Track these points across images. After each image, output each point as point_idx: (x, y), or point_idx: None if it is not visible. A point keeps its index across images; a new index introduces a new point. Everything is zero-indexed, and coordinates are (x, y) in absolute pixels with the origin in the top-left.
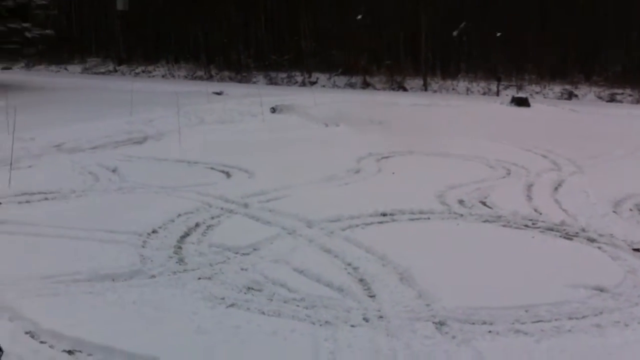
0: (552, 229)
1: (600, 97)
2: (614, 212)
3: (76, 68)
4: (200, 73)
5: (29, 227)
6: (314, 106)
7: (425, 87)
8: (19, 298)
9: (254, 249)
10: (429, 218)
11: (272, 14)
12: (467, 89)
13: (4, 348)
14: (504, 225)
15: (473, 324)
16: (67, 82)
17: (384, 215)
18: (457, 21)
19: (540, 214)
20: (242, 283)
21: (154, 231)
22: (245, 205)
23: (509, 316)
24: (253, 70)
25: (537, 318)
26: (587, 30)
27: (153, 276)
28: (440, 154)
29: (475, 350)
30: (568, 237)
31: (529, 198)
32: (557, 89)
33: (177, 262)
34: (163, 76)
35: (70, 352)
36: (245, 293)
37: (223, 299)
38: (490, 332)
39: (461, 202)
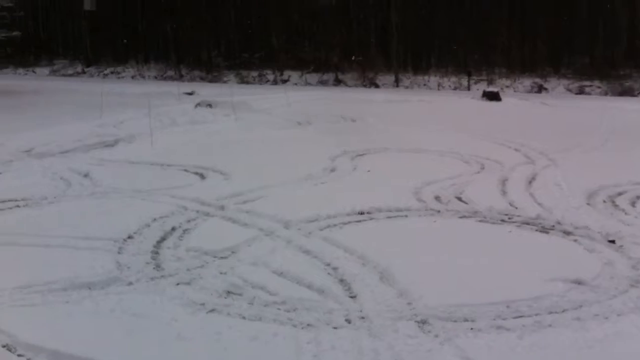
0: (528, 223)
1: (569, 90)
2: (588, 204)
3: (44, 70)
4: (170, 73)
5: (1, 237)
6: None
7: (397, 83)
8: None
9: (232, 252)
10: (406, 215)
11: (242, 11)
12: (439, 84)
13: None
14: (480, 221)
15: (455, 321)
16: (35, 85)
17: (362, 214)
18: (428, 15)
19: (516, 208)
20: (221, 287)
21: (129, 237)
22: (222, 208)
23: (490, 312)
24: (224, 69)
25: (518, 313)
26: (555, 22)
27: (130, 283)
28: (415, 150)
29: (458, 348)
30: (544, 230)
31: (504, 192)
32: (527, 82)
33: (154, 268)
34: (133, 77)
35: None
36: (225, 298)
37: (203, 304)
38: (472, 329)
39: (437, 198)
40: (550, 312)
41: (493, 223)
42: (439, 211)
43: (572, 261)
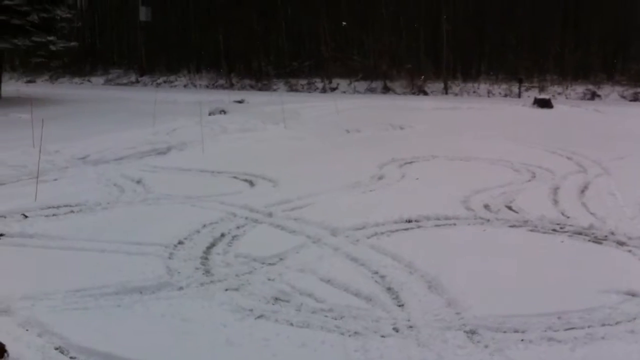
0: (580, 233)
1: (623, 97)
2: None
3: (99, 80)
4: (221, 82)
5: (56, 241)
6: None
7: (446, 91)
8: (48, 313)
9: (280, 259)
10: (454, 224)
11: (293, 20)
12: (489, 92)
13: None
14: (531, 230)
15: (505, 332)
16: (91, 94)
17: (409, 221)
18: (479, 22)
19: (568, 217)
20: (269, 294)
21: (180, 242)
22: (270, 215)
23: (541, 324)
24: (273, 78)
25: (569, 325)
26: (609, 28)
27: (181, 288)
28: (464, 158)
29: (508, 359)
30: (597, 240)
31: (556, 201)
32: (580, 89)
33: (204, 274)
34: (185, 86)
35: None
36: (273, 304)
37: (251, 310)
38: (522, 340)
39: (487, 206)
40: (603, 324)
41: (544, 233)
42: (488, 220)
43: (625, 272)
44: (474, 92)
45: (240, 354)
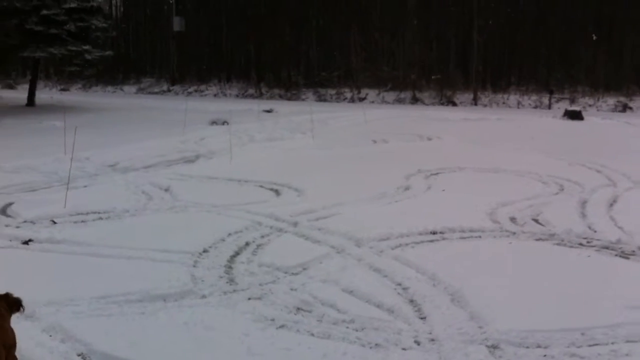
0: (607, 248)
1: None
2: None
3: (131, 88)
4: (251, 91)
5: (83, 247)
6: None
7: (475, 102)
8: (72, 319)
9: (304, 269)
10: (480, 236)
11: (323, 31)
12: (519, 103)
13: None
14: (557, 244)
15: (527, 347)
16: (123, 102)
17: (434, 233)
18: (510, 33)
19: (595, 231)
20: (291, 303)
21: (205, 250)
22: (295, 224)
23: (564, 339)
24: (302, 88)
25: (593, 341)
26: None
27: (204, 296)
28: (492, 169)
29: None
30: (624, 256)
31: (583, 215)
32: (611, 101)
33: (227, 282)
34: (215, 95)
35: None
36: (295, 314)
37: (273, 320)
38: (545, 356)
39: (513, 219)
40: (628, 341)
41: (571, 247)
42: (514, 233)
43: None
44: (504, 103)
45: None
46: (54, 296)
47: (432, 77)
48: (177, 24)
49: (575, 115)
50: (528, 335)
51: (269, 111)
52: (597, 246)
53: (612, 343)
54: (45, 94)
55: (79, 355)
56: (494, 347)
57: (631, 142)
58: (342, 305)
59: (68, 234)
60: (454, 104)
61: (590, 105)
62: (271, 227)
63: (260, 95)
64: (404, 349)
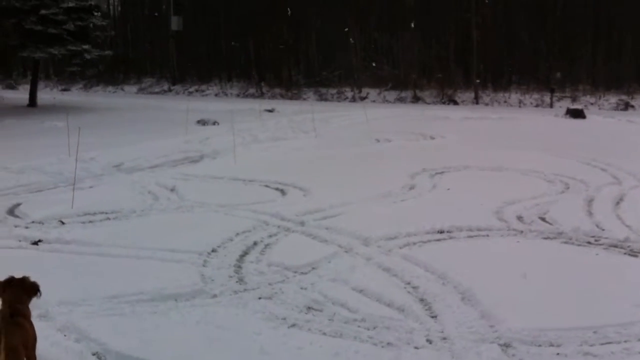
0: (616, 246)
1: None
2: None
3: (132, 88)
4: (251, 91)
5: (92, 247)
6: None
7: (476, 100)
8: (86, 318)
9: (313, 268)
10: (487, 235)
11: (323, 30)
12: (520, 101)
13: None
14: (565, 242)
15: (540, 346)
16: (124, 102)
17: (442, 232)
18: (510, 31)
19: (603, 230)
20: (302, 303)
21: (213, 250)
22: (302, 224)
23: (576, 338)
24: (303, 87)
25: (606, 340)
26: None
27: (215, 296)
28: (496, 168)
29: None
30: (633, 254)
31: (590, 213)
32: (613, 99)
33: (237, 282)
34: (216, 95)
35: None
36: (305, 313)
37: (284, 319)
38: (558, 354)
39: (520, 218)
40: None
41: (579, 245)
42: (521, 231)
43: None
44: (505, 102)
45: None
46: (67, 296)
47: (436, 76)
48: (175, 23)
49: (577, 114)
50: (540, 334)
51: (270, 111)
52: (605, 244)
53: (625, 341)
54: (47, 94)
55: (93, 354)
56: (506, 345)
57: (634, 140)
58: (353, 304)
59: (77, 234)
60: (455, 103)
61: (592, 104)
62: (278, 227)
63: (261, 95)
64: (416, 347)
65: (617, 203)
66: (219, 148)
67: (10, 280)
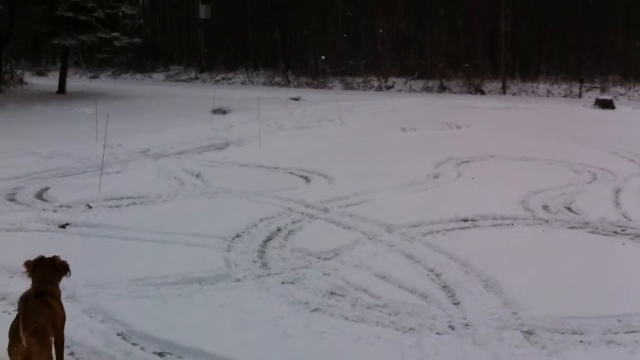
0: None
1: None
2: None
3: (160, 76)
4: (278, 79)
5: (119, 231)
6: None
7: (504, 90)
8: (112, 300)
9: (336, 254)
10: (512, 224)
11: (350, 19)
12: (548, 92)
13: (97, 350)
14: (592, 232)
15: (563, 334)
16: (152, 90)
17: (466, 221)
18: (540, 22)
19: (630, 220)
20: (325, 288)
21: (238, 236)
22: (326, 211)
23: (600, 326)
24: (330, 76)
25: (630, 329)
26: None
27: (238, 280)
28: (522, 158)
29: None
30: None
31: (617, 204)
32: None
33: (261, 267)
34: (242, 83)
35: (161, 355)
36: (328, 298)
37: (307, 303)
38: (581, 342)
39: (546, 207)
40: None
41: (605, 235)
42: (547, 221)
43: None
44: (533, 92)
45: (297, 346)
46: (93, 278)
47: (463, 66)
48: (204, 12)
49: (606, 105)
50: (564, 322)
51: (296, 99)
52: (632, 235)
53: None
54: (76, 82)
55: (119, 335)
56: (529, 333)
57: None
58: (376, 290)
59: (104, 219)
60: (483, 93)
61: (621, 95)
62: (302, 214)
63: (287, 84)
64: (438, 333)
65: None
66: (244, 136)
67: (41, 260)
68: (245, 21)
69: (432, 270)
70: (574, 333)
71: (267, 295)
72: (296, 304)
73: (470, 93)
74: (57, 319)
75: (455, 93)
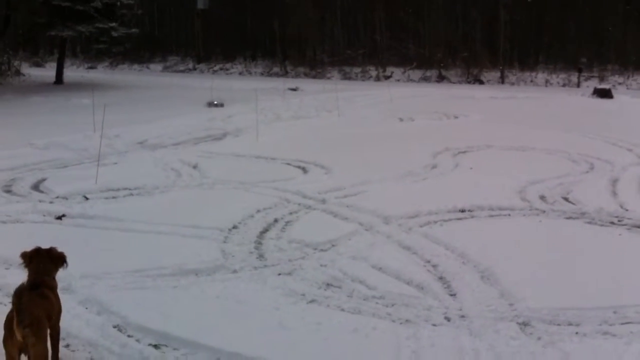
0: (639, 226)
1: None
2: None
3: (157, 66)
4: (276, 69)
5: (115, 222)
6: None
7: (502, 80)
8: (108, 292)
9: (332, 245)
10: (509, 214)
11: (348, 8)
12: (546, 81)
13: (93, 342)
14: (588, 222)
15: (559, 325)
16: (149, 80)
17: (463, 211)
18: (538, 10)
19: (627, 210)
20: (321, 279)
21: (234, 226)
22: (323, 201)
23: (596, 317)
24: (327, 66)
25: (626, 319)
26: None
27: (235, 271)
28: (520, 148)
29: (562, 352)
30: None
31: (614, 194)
32: None
33: (257, 258)
34: (240, 73)
35: (156, 347)
36: (324, 289)
37: (303, 295)
38: (577, 333)
39: (543, 197)
40: None
41: (602, 225)
42: (544, 211)
43: None
44: (531, 81)
45: (293, 336)
46: (89, 270)
47: (461, 55)
48: (201, 1)
49: (604, 94)
50: (559, 313)
51: (294, 89)
52: (628, 225)
53: None
54: (73, 72)
55: (114, 327)
56: (524, 324)
57: None
58: (372, 282)
59: (100, 210)
60: (481, 82)
61: (619, 84)
62: (299, 204)
63: (285, 74)
64: (434, 325)
65: None
66: (241, 126)
67: (37, 251)
68: (243, 11)
69: (428, 261)
70: (570, 324)
71: (264, 287)
72: (292, 295)
73: (469, 82)
74: (53, 311)
75: (454, 82)
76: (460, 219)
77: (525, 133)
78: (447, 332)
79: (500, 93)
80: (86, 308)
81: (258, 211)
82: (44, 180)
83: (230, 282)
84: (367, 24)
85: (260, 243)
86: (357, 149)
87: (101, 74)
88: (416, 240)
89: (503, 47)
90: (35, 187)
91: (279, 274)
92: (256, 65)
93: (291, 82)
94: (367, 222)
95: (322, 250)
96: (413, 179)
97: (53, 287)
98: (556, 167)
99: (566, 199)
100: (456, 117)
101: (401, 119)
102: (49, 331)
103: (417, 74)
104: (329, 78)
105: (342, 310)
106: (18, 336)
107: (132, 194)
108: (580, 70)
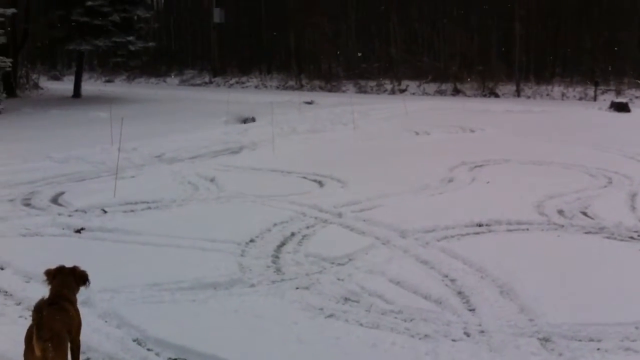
0: None
1: None
2: None
3: (174, 80)
4: (291, 83)
5: (133, 236)
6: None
7: (518, 93)
8: (127, 305)
9: (350, 259)
10: (527, 229)
11: (363, 22)
12: (563, 94)
13: (113, 356)
14: (607, 237)
15: (580, 340)
16: (166, 94)
17: (480, 225)
18: (554, 23)
19: None
20: (339, 293)
21: (251, 240)
22: (339, 215)
23: (617, 333)
24: (343, 79)
25: None
26: None
27: (253, 285)
28: (537, 162)
29: None
30: None
31: (633, 208)
32: None
33: (275, 272)
34: (256, 87)
35: None
36: (342, 304)
37: (321, 309)
38: (598, 349)
39: (561, 212)
40: None
41: (621, 240)
42: (562, 226)
43: None
44: (547, 94)
45: (311, 351)
46: (108, 283)
47: (477, 69)
48: (217, 15)
49: (621, 107)
50: (581, 329)
51: (309, 103)
52: None
53: None
54: (91, 86)
55: (134, 340)
56: (545, 339)
57: None
58: (390, 296)
59: (119, 223)
60: (497, 96)
61: (637, 97)
62: (316, 218)
63: (300, 87)
64: (453, 340)
65: None
66: (257, 139)
67: (61, 269)
68: (259, 25)
69: (446, 276)
70: (591, 340)
71: (281, 301)
72: (310, 310)
73: (484, 96)
74: (73, 324)
75: (469, 96)
76: (478, 233)
77: (542, 147)
78: (467, 348)
79: (516, 107)
80: (106, 321)
81: (275, 225)
82: (62, 193)
83: (248, 296)
84: (382, 38)
85: (277, 257)
86: (373, 163)
87: (118, 87)
88: (434, 254)
89: (519, 60)
90: (54, 200)
91: (297, 288)
92: (272, 78)
93: (306, 96)
94: (384, 236)
95: (339, 264)
96: (430, 193)
97: (73, 302)
98: (574, 181)
99: (584, 214)
100: (472, 131)
101: (417, 133)
102: (69, 345)
103: (432, 87)
104: (344, 91)
105: (361, 324)
106: (37, 351)
107: (150, 208)
108: (596, 84)
